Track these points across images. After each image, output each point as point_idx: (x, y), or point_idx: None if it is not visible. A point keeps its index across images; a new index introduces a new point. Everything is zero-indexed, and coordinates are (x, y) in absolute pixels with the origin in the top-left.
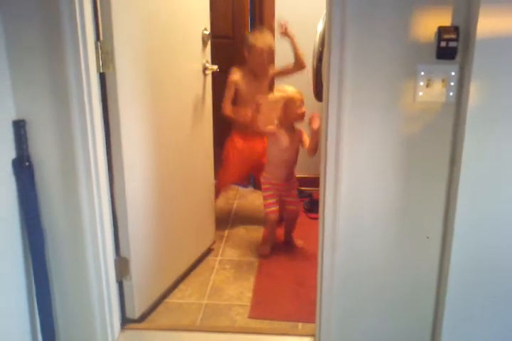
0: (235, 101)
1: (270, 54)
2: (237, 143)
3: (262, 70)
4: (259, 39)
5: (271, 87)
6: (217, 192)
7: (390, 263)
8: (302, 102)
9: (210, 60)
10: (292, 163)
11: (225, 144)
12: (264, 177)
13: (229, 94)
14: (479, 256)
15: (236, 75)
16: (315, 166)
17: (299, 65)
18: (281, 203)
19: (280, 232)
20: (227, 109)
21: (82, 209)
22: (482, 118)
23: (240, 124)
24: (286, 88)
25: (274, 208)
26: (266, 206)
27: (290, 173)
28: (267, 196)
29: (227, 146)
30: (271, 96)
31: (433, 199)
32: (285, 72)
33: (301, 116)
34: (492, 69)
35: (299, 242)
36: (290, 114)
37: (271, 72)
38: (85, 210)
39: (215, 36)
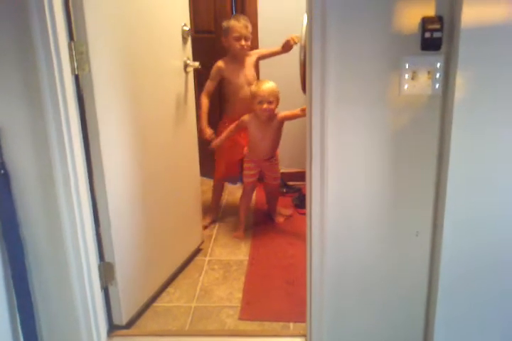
0: (222, 89)
1: (246, 34)
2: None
3: (240, 51)
4: (233, 21)
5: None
6: (219, 186)
7: (380, 261)
8: (267, 100)
9: (191, 56)
10: (272, 145)
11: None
12: (246, 155)
13: (209, 86)
14: (470, 251)
15: (219, 63)
16: (304, 160)
17: (287, 47)
18: (263, 182)
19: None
20: (204, 102)
21: (61, 216)
22: (469, 110)
23: (229, 110)
24: (260, 82)
25: (252, 179)
26: (244, 176)
27: (271, 153)
28: (246, 168)
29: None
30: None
31: (422, 195)
32: (270, 54)
33: (262, 112)
34: (478, 60)
35: (280, 219)
36: (253, 107)
37: (255, 54)
38: (65, 216)
39: (197, 31)
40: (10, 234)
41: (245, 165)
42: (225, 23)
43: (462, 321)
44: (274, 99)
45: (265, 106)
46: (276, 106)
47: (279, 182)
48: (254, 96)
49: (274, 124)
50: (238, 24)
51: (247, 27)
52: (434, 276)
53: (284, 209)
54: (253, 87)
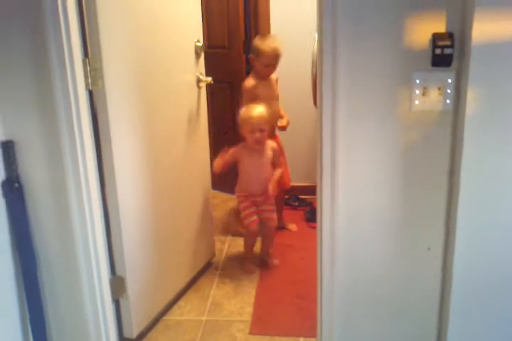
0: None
1: (276, 63)
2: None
3: (268, 72)
4: (267, 47)
5: None
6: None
7: (391, 275)
8: (259, 128)
9: (203, 71)
10: (264, 178)
11: None
12: (238, 190)
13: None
14: (482, 266)
15: (251, 81)
16: (315, 174)
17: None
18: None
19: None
20: None
21: (74, 230)
22: (480, 126)
23: None
24: (250, 108)
25: (253, 218)
26: (244, 218)
27: (264, 187)
28: (243, 208)
29: None
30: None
31: (433, 210)
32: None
33: (255, 143)
34: (489, 76)
35: (275, 261)
36: (243, 135)
37: (275, 76)
38: (77, 230)
39: (210, 47)
40: (23, 246)
41: (241, 205)
42: (258, 43)
43: (475, 336)
44: (265, 125)
45: (257, 135)
46: (267, 132)
47: (275, 218)
48: (244, 123)
49: (267, 153)
50: (271, 52)
51: (277, 57)
52: (446, 291)
53: (291, 224)
54: (242, 114)
